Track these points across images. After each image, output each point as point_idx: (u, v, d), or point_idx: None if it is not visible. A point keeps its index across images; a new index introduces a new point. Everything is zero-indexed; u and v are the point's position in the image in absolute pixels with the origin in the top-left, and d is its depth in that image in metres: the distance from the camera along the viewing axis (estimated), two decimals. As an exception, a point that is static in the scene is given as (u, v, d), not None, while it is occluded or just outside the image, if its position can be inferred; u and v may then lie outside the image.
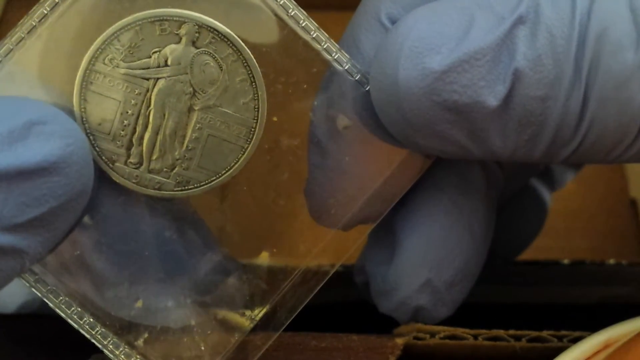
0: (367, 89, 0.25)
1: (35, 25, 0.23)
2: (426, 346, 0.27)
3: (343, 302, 0.33)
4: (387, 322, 0.29)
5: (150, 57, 0.23)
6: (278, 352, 0.27)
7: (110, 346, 0.24)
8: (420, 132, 0.23)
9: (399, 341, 0.27)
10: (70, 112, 0.23)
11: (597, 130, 0.22)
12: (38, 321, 0.31)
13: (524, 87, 0.22)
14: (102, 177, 0.24)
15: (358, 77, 0.25)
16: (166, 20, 0.23)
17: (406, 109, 0.23)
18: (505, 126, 0.23)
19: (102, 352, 0.24)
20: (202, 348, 0.25)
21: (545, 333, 0.27)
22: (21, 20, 0.23)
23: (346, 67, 0.25)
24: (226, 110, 0.24)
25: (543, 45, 0.22)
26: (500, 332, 0.27)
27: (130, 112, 0.24)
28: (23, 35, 0.23)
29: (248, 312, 0.25)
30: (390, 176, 0.25)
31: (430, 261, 0.27)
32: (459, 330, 0.27)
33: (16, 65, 0.23)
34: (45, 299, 0.24)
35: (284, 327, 0.25)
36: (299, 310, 0.25)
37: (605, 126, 0.22)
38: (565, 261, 0.37)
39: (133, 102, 0.23)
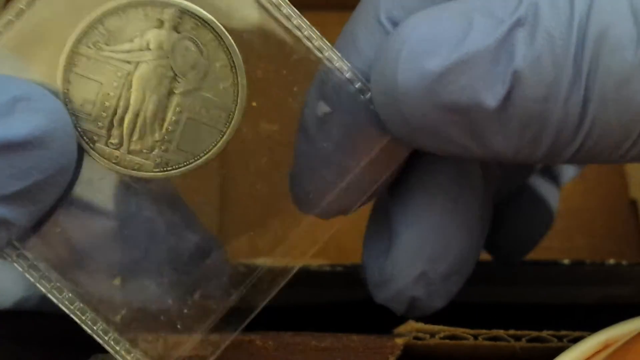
0: (357, 86, 0.25)
1: (22, 9, 0.24)
2: (426, 346, 0.27)
3: (343, 302, 0.34)
4: (387, 322, 0.29)
5: (132, 41, 0.24)
6: (278, 352, 0.27)
7: (89, 322, 0.25)
8: (421, 133, 0.24)
9: (399, 341, 0.27)
10: (54, 94, 0.24)
11: (598, 130, 0.23)
12: (37, 319, 0.32)
13: (524, 88, 0.22)
14: (84, 157, 0.24)
15: (349, 75, 0.25)
16: (149, 5, 0.24)
17: (406, 111, 0.23)
18: (506, 127, 0.23)
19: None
20: (179, 327, 0.25)
21: (545, 333, 0.27)
22: (9, 4, 0.24)
23: (337, 65, 0.25)
24: (206, 95, 0.24)
25: (542, 46, 0.22)
26: (500, 332, 0.27)
27: (111, 94, 0.24)
28: (11, 18, 0.24)
29: (225, 292, 0.26)
30: (369, 164, 0.26)
31: (426, 254, 0.28)
32: (459, 330, 0.27)
33: (3, 48, 0.24)
34: (26, 274, 0.24)
35: (259, 309, 0.26)
36: (275, 292, 0.25)
37: (607, 126, 0.22)
38: (565, 261, 0.37)
39: (115, 84, 0.24)
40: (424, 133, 0.24)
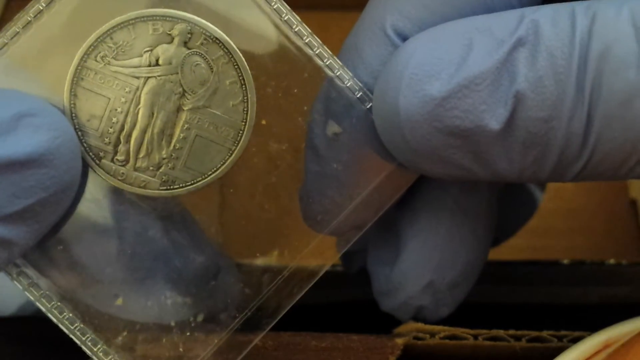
0: (368, 106, 0.25)
1: (30, 21, 0.23)
2: (426, 346, 0.27)
3: (343, 302, 0.33)
4: (387, 322, 0.29)
5: (141, 56, 0.24)
6: (278, 352, 0.27)
7: (89, 343, 0.24)
8: (424, 158, 0.23)
9: (399, 341, 0.27)
10: (60, 108, 0.23)
11: (603, 149, 0.22)
12: (38, 323, 0.31)
13: (526, 109, 0.22)
14: (88, 173, 0.24)
15: (359, 94, 0.25)
16: (159, 20, 0.24)
17: (409, 136, 0.23)
18: (510, 148, 0.23)
19: None
20: (181, 349, 0.25)
21: (545, 333, 0.27)
22: (17, 15, 0.23)
23: (348, 84, 0.25)
24: (215, 112, 0.24)
25: (544, 66, 0.22)
26: (500, 332, 0.27)
27: (119, 109, 0.24)
28: (18, 30, 0.23)
29: (229, 316, 0.25)
30: (378, 186, 0.25)
31: (433, 263, 0.28)
32: (459, 330, 0.27)
33: (10, 59, 0.23)
34: (26, 292, 0.24)
35: (264, 333, 0.25)
36: (281, 315, 0.25)
37: (612, 144, 0.22)
38: (565, 261, 0.37)
39: (123, 100, 0.24)
40: (427, 158, 0.23)
